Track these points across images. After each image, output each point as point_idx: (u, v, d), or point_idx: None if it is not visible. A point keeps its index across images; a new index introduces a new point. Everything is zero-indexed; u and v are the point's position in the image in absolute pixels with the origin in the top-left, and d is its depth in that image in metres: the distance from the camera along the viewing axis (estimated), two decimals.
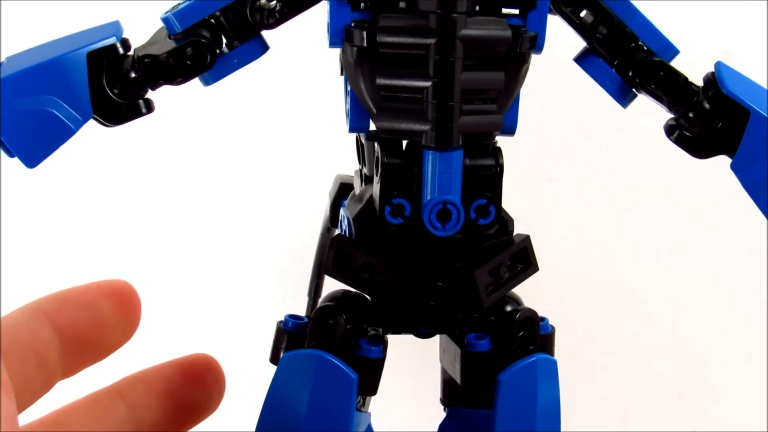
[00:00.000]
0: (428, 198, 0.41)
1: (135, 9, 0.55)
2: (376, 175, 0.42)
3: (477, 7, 0.40)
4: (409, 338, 0.46)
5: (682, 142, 0.44)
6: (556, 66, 0.47)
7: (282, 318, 0.45)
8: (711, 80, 0.43)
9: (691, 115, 0.44)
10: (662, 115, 0.45)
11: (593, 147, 0.77)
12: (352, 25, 0.41)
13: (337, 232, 0.49)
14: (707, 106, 0.43)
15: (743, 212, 0.45)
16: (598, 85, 0.45)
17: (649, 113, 0.46)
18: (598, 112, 0.75)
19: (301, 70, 0.75)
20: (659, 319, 0.80)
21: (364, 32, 0.40)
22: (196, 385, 0.43)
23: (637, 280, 0.80)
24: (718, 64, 0.44)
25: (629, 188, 0.78)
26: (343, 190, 0.53)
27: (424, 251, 0.42)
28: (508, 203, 0.44)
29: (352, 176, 0.51)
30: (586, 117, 0.76)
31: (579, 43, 0.45)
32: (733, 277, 0.78)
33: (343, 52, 0.42)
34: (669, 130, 0.45)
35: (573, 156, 0.77)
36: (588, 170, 0.78)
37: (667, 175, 0.77)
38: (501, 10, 0.41)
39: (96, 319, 0.40)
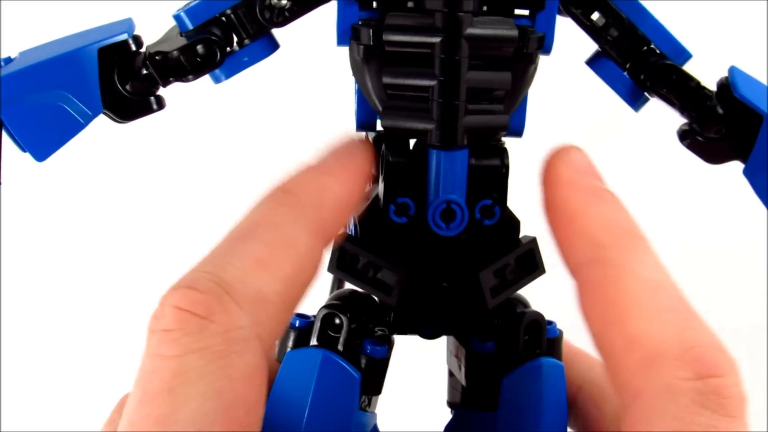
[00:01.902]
0: (432, 197, 0.41)
1: (148, 8, 0.56)
2: (381, 174, 0.42)
3: (485, 8, 0.40)
4: (418, 339, 0.46)
5: (694, 147, 0.44)
6: (554, 67, 0.47)
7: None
8: (724, 84, 0.43)
9: (703, 119, 0.43)
10: (662, 116, 0.44)
11: (593, 147, 0.77)
12: (359, 23, 0.41)
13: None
14: (720, 110, 0.43)
15: (743, 212, 0.44)
16: (593, 87, 0.45)
17: (650, 114, 0.45)
18: (595, 113, 0.75)
19: (311, 67, 0.75)
20: None
21: (371, 30, 0.39)
22: None
23: None
24: (731, 69, 0.43)
25: (628, 188, 0.77)
26: None
27: (429, 251, 0.42)
28: (515, 204, 0.43)
29: None
30: (584, 118, 0.76)
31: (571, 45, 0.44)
32: (733, 277, 0.77)
33: (351, 51, 0.42)
34: (682, 135, 0.44)
35: None
36: None
37: (667, 175, 0.76)
38: (509, 11, 0.41)
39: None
